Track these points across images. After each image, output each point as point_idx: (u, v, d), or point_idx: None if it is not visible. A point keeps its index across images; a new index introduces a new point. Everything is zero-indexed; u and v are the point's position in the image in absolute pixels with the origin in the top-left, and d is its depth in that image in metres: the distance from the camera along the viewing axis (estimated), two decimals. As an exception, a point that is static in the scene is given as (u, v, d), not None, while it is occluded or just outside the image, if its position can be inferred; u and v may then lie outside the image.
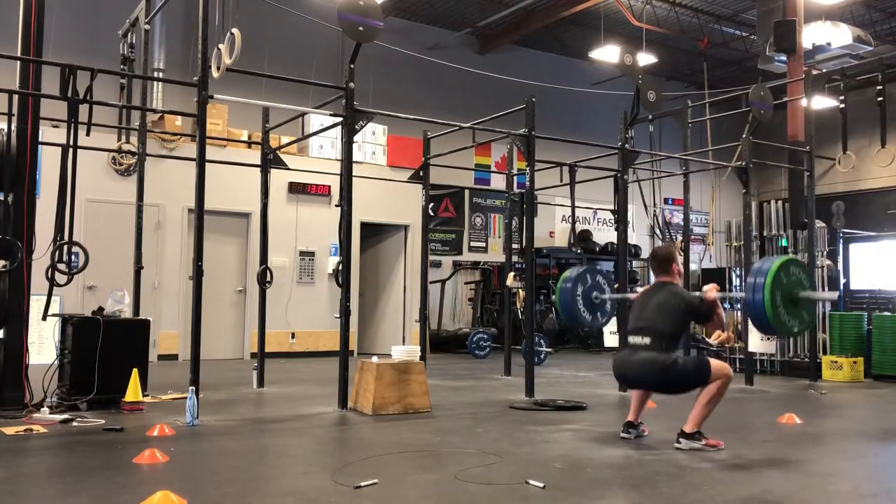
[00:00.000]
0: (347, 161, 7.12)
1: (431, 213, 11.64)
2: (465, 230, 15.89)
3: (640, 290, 5.78)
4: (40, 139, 6.82)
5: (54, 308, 6.62)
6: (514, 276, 10.54)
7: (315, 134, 11.26)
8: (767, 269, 4.85)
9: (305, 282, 12.59)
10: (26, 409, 6.11)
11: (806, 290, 4.95)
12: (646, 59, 15.16)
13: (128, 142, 9.81)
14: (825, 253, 11.27)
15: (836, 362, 10.03)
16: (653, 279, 5.69)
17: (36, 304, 6.51)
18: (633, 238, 17.08)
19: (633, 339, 5.41)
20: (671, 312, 5.28)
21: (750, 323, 9.05)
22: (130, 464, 4.49)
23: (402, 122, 9.42)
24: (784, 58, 12.92)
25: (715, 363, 5.17)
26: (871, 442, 5.79)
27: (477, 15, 15.97)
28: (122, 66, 9.03)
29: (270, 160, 8.75)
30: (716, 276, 14.75)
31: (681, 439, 5.10)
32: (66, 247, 6.36)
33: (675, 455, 4.98)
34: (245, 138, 11.75)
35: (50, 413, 6.00)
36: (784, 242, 11.22)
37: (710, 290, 5.23)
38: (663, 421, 5.96)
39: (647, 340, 5.27)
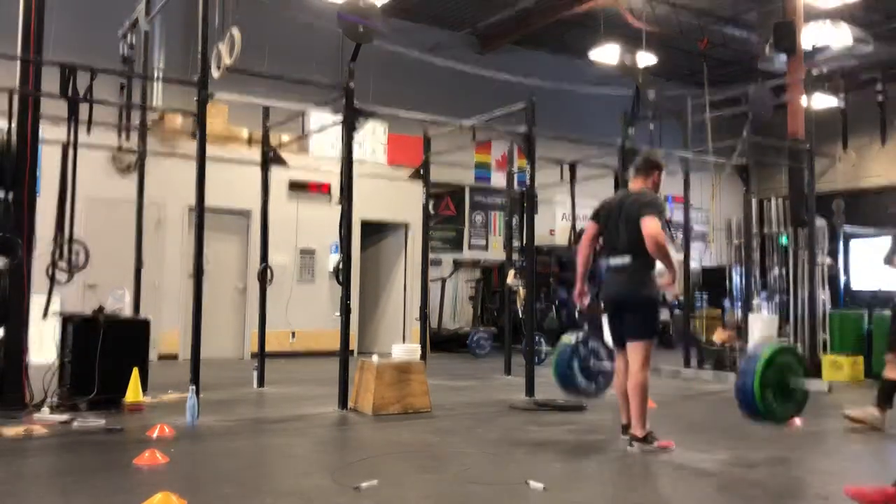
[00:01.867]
0: (348, 159, 7.13)
1: (432, 212, 11.64)
2: (465, 228, 15.88)
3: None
4: (40, 138, 6.81)
5: (55, 307, 6.62)
6: (515, 274, 10.53)
7: (315, 132, 11.25)
8: (759, 355, 4.86)
9: (306, 280, 12.59)
10: (26, 409, 6.11)
11: (798, 378, 4.92)
12: (646, 59, 15.16)
13: (128, 140, 9.80)
14: (825, 251, 11.26)
15: (837, 362, 10.03)
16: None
17: (36, 302, 6.50)
18: (633, 237, 17.05)
19: (613, 261, 5.29)
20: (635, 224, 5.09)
21: (750, 322, 9.09)
22: (131, 464, 4.49)
23: (402, 120, 9.42)
24: (784, 58, 12.91)
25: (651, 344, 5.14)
26: (871, 442, 5.79)
27: (477, 15, 15.96)
28: (122, 66, 9.02)
29: (270, 158, 8.75)
30: (716, 273, 14.78)
31: (633, 443, 5.05)
32: (66, 245, 6.36)
33: (673, 456, 4.98)
34: (245, 137, 11.74)
35: (50, 413, 5.99)
36: (784, 240, 11.21)
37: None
38: (662, 421, 5.96)
39: (626, 260, 5.18)
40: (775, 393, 4.81)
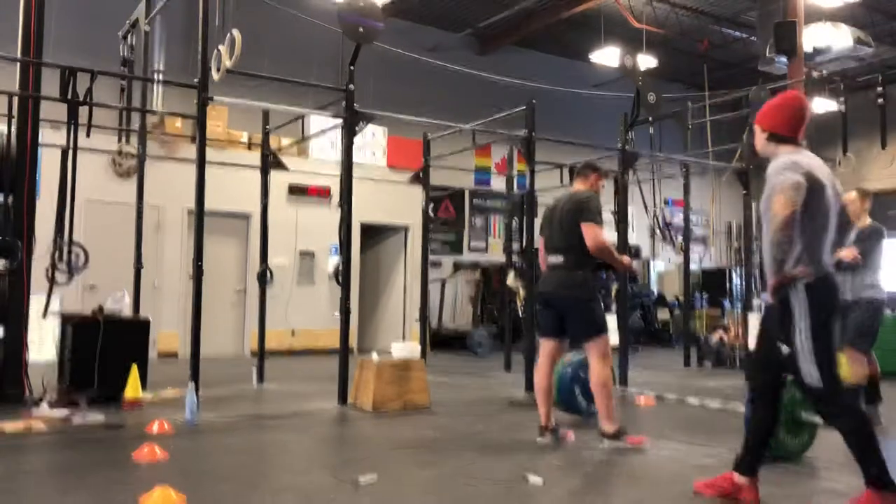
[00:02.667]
0: (347, 162, 7.15)
1: (431, 215, 11.66)
2: (465, 231, 15.90)
3: None
4: (40, 141, 6.84)
5: (54, 307, 6.64)
6: (515, 275, 10.56)
7: (315, 135, 11.28)
8: None
9: (305, 283, 12.61)
10: (26, 405, 6.12)
11: (809, 411, 4.85)
12: (646, 61, 15.18)
13: (128, 143, 9.84)
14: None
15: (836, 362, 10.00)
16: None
17: (36, 303, 6.53)
18: (633, 238, 17.04)
19: (550, 259, 5.34)
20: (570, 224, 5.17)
21: (750, 322, 9.10)
22: (130, 460, 4.50)
23: (402, 123, 9.44)
24: (784, 59, 12.94)
25: (606, 338, 5.12)
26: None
27: (477, 16, 15.98)
28: (122, 68, 9.07)
29: (270, 162, 8.77)
30: (716, 276, 14.78)
31: (605, 440, 5.00)
32: (66, 247, 6.38)
33: (672, 454, 4.99)
34: (245, 140, 11.77)
35: (50, 410, 6.01)
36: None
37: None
38: (661, 420, 5.97)
39: (559, 259, 5.22)
40: (787, 428, 4.73)
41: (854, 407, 3.74)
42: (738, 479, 3.84)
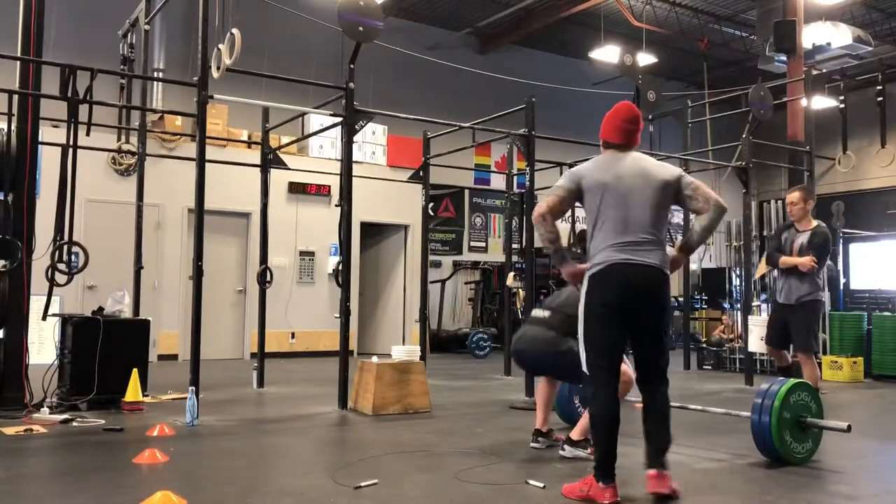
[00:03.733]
0: (347, 161, 7.12)
1: (431, 213, 11.64)
2: (465, 230, 15.88)
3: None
4: (40, 139, 6.82)
5: (54, 308, 6.62)
6: (515, 276, 10.54)
7: (315, 134, 11.26)
8: (776, 391, 4.68)
9: (305, 282, 12.59)
10: (26, 409, 6.11)
11: (814, 416, 4.80)
12: (646, 59, 15.16)
13: (128, 142, 9.82)
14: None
15: (836, 362, 10.03)
16: None
17: (36, 304, 6.50)
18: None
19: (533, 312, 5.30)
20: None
21: (750, 323, 9.09)
22: (130, 464, 4.49)
23: (402, 121, 9.42)
24: (784, 58, 12.93)
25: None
26: (871, 442, 5.79)
27: (477, 15, 15.97)
28: (122, 67, 9.04)
29: (270, 160, 8.75)
30: (716, 275, 14.78)
31: (565, 446, 4.88)
32: (66, 247, 6.35)
33: (676, 456, 4.97)
34: (245, 138, 11.75)
35: (50, 413, 5.99)
36: (784, 242, 11.21)
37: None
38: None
39: (546, 314, 5.14)
40: (793, 433, 4.71)
41: (595, 394, 3.89)
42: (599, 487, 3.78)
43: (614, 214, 3.90)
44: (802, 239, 6.78)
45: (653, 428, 3.91)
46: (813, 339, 6.75)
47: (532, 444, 5.19)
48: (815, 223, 6.84)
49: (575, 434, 4.91)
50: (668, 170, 4.05)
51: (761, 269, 9.43)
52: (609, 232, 3.90)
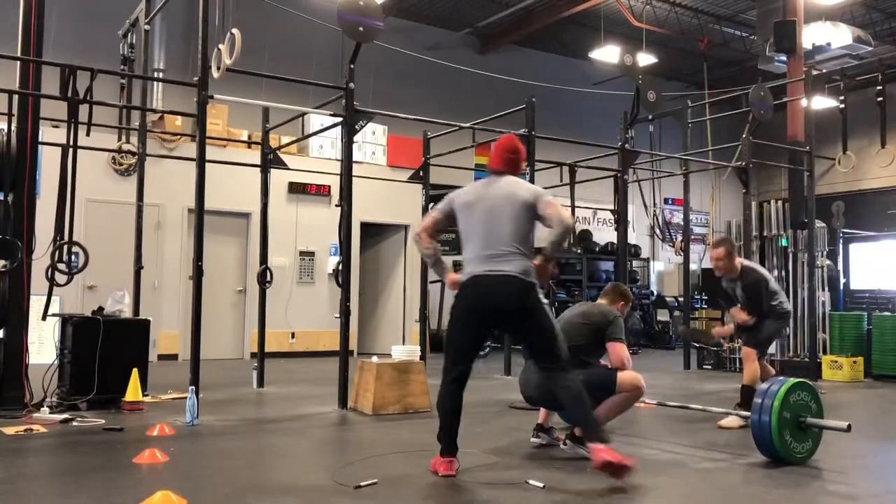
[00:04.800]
0: (347, 161, 7.12)
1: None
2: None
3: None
4: (40, 139, 6.81)
5: (54, 308, 6.62)
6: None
7: (315, 134, 11.26)
8: (776, 391, 4.67)
9: (305, 282, 12.59)
10: (26, 408, 6.10)
11: (814, 416, 4.79)
12: (646, 59, 15.16)
13: (128, 142, 9.82)
14: (825, 253, 11.27)
15: (836, 362, 10.03)
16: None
17: (36, 304, 6.50)
18: (633, 238, 17.08)
19: None
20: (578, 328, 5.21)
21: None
22: (130, 464, 4.49)
23: (402, 121, 9.43)
24: (784, 58, 12.92)
25: (624, 377, 4.92)
26: (871, 442, 5.79)
27: (477, 15, 15.97)
28: (122, 67, 9.04)
29: (270, 160, 8.75)
30: (716, 275, 14.77)
31: (568, 441, 4.93)
32: (66, 247, 6.35)
33: (676, 456, 4.98)
34: (245, 138, 11.75)
35: (50, 413, 5.99)
36: (784, 242, 11.22)
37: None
38: (661, 421, 5.95)
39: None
40: (793, 433, 4.70)
41: (442, 385, 4.53)
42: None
43: (479, 230, 4.40)
44: (738, 289, 6.76)
45: (571, 409, 4.51)
46: (766, 343, 6.76)
47: (532, 439, 5.23)
48: (739, 269, 6.72)
49: (578, 431, 4.92)
50: (532, 191, 4.47)
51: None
52: (475, 246, 4.40)
